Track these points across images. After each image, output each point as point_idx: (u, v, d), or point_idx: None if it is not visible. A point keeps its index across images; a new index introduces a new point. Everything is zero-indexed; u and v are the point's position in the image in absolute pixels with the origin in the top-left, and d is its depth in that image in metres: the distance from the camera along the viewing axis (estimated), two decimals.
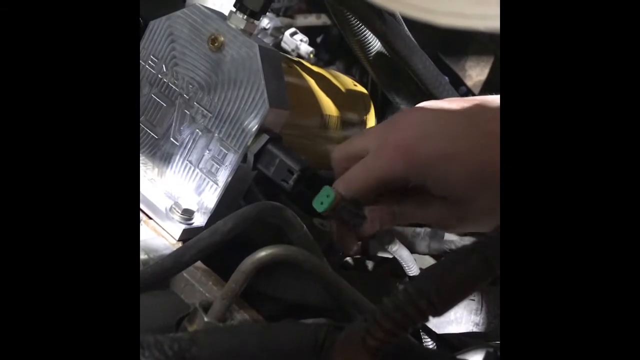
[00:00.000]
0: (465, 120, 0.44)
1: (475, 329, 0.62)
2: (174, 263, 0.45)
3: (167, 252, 0.50)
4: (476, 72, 0.94)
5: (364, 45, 0.70)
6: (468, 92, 0.92)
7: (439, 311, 0.28)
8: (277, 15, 0.89)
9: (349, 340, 0.30)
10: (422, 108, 0.47)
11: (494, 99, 0.45)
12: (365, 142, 0.48)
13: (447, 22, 0.24)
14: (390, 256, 0.73)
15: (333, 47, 1.01)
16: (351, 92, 0.77)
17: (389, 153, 0.45)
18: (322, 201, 0.50)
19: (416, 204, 0.45)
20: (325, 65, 1.00)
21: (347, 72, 0.98)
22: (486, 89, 0.93)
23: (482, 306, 0.64)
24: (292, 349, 0.32)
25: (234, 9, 0.55)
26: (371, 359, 0.28)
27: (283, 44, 0.85)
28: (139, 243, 0.48)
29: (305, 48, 0.85)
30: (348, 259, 0.85)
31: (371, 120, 0.80)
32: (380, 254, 0.78)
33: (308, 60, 0.84)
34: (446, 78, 0.86)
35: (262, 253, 0.44)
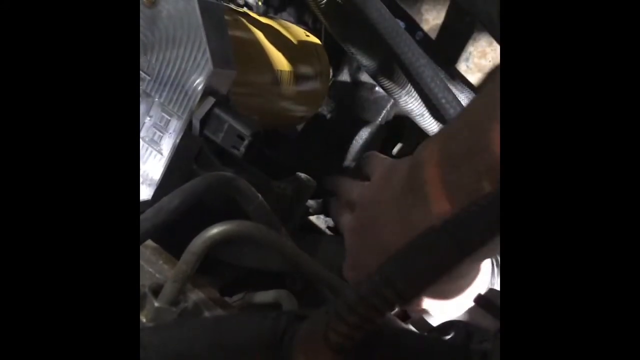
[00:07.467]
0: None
1: None
2: None
3: None
4: (432, 16, 0.90)
5: None
6: (425, 37, 0.88)
7: (407, 300, 0.26)
8: None
9: (310, 335, 0.27)
10: None
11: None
12: None
13: None
14: None
15: None
16: (303, 44, 0.72)
17: None
18: None
19: None
20: (275, 12, 0.94)
21: (299, 20, 0.93)
22: (443, 33, 0.89)
23: None
24: (248, 344, 0.29)
25: None
26: (335, 356, 0.26)
27: None
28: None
29: None
30: (309, 217, 0.82)
31: (326, 71, 0.76)
32: None
33: (256, 9, 0.78)
34: (402, 24, 0.82)
35: (214, 230, 0.40)
